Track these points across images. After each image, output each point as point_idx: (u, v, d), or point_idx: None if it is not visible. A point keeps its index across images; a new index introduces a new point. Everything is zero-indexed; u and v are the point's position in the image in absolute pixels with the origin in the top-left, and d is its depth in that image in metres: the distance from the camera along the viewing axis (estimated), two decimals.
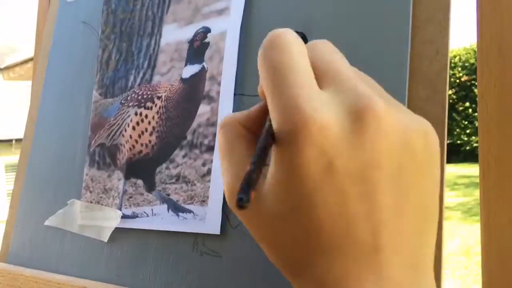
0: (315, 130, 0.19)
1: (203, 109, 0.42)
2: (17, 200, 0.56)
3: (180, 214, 0.41)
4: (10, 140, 8.23)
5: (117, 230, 0.46)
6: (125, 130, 0.47)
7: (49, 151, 0.55)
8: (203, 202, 0.40)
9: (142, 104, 0.47)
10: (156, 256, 0.42)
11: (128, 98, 0.48)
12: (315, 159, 0.20)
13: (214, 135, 0.41)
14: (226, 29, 0.43)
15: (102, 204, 0.47)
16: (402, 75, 0.33)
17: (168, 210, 0.42)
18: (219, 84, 0.41)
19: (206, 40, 0.44)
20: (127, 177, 0.46)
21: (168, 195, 0.42)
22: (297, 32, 0.40)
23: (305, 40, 0.38)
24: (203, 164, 0.41)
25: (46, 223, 0.51)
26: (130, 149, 0.47)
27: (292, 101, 0.20)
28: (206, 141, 0.41)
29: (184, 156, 0.42)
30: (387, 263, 0.20)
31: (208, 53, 0.43)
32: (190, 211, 0.40)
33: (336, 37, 0.36)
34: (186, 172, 0.42)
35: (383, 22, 0.34)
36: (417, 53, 0.33)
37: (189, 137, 0.42)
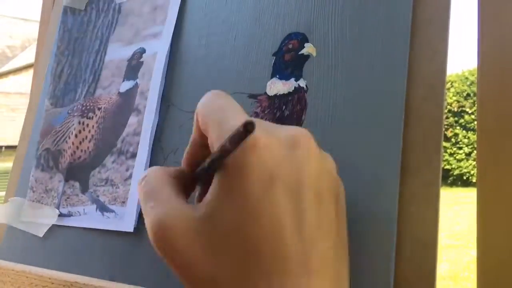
0: (261, 146, 0.22)
1: (132, 120, 0.47)
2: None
3: (105, 213, 0.46)
4: (0, 147, 8.24)
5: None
6: (69, 137, 0.52)
7: None
8: (123, 203, 0.44)
9: (85, 114, 0.52)
10: (148, 254, 0.42)
11: (74, 108, 0.54)
12: (260, 173, 0.21)
13: (138, 143, 0.46)
14: (157, 51, 0.48)
15: (43, 203, 0.52)
16: (401, 74, 0.34)
17: (96, 210, 0.47)
18: (145, 99, 0.47)
19: (142, 60, 0.49)
20: (66, 179, 0.51)
21: (98, 196, 0.47)
22: (298, 33, 0.43)
23: (306, 40, 0.39)
24: (127, 169, 0.46)
25: None
26: (72, 154, 0.52)
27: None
28: (131, 149, 0.46)
29: (113, 162, 0.47)
30: None
31: (141, 71, 0.49)
32: (112, 211, 0.45)
33: (335, 37, 0.38)
34: (113, 176, 0.47)
35: (383, 22, 0.35)
36: (416, 53, 0.34)
37: (119, 144, 0.47)
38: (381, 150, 0.33)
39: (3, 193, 0.61)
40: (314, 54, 0.39)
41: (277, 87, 0.40)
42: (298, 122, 0.38)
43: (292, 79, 0.39)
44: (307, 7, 0.40)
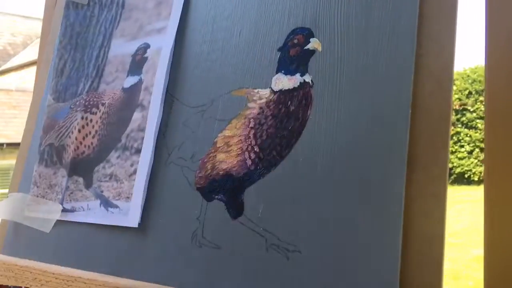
0: None
1: (136, 116, 0.47)
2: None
3: (109, 209, 0.46)
4: (1, 145, 8.24)
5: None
6: (72, 132, 0.52)
7: None
8: (128, 198, 0.44)
9: (88, 110, 0.52)
10: (156, 249, 0.42)
11: (77, 103, 0.53)
12: None
13: (142, 139, 0.45)
14: (162, 46, 0.48)
15: (47, 198, 0.52)
16: (407, 69, 0.33)
17: (100, 205, 0.47)
18: (150, 94, 0.47)
19: (146, 55, 0.49)
20: (70, 174, 0.51)
21: (102, 191, 0.47)
22: (304, 28, 0.42)
23: (311, 35, 0.39)
24: (131, 165, 0.45)
25: None
26: (75, 149, 0.51)
27: None
28: (135, 144, 0.46)
29: (117, 157, 0.47)
30: None
31: (145, 66, 0.49)
32: (116, 206, 0.45)
33: (341, 33, 0.37)
34: (118, 171, 0.46)
35: (389, 17, 0.35)
36: (423, 50, 0.34)
37: (123, 140, 0.47)
38: (387, 145, 0.33)
39: (3, 190, 0.59)
40: (320, 49, 0.39)
41: (282, 82, 0.39)
42: (303, 117, 0.38)
43: (298, 74, 0.39)
44: (312, 2, 0.40)
